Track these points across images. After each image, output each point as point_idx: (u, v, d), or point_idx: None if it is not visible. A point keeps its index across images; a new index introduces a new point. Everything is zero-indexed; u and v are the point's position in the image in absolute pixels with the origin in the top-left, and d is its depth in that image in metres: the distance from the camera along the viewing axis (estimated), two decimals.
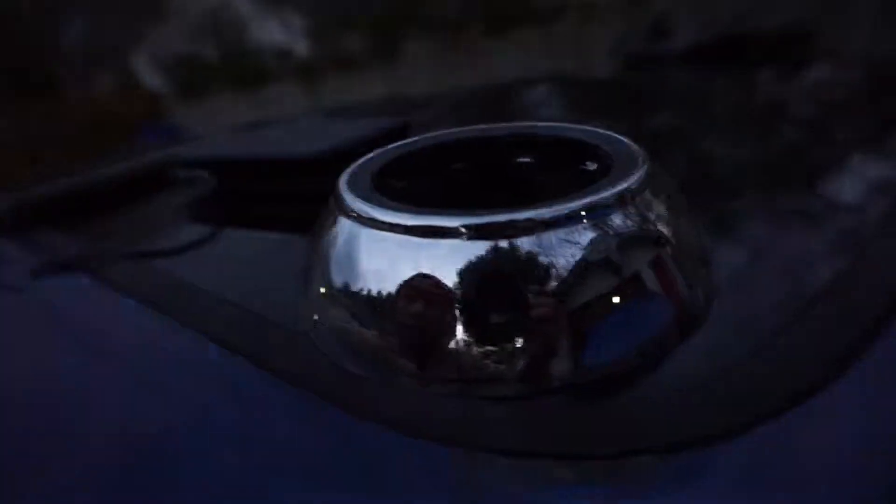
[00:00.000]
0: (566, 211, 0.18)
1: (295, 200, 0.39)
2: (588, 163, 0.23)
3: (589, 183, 0.20)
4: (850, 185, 0.38)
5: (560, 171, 0.24)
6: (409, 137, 0.26)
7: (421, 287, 0.18)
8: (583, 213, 0.18)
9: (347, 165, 0.24)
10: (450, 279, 0.18)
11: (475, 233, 0.18)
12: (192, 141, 0.63)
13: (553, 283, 0.18)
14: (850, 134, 0.46)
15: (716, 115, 0.58)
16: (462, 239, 0.18)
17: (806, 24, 0.72)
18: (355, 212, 0.20)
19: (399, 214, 0.19)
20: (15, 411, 0.26)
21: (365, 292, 0.19)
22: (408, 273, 0.18)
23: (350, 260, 0.20)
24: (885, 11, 0.68)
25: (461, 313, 0.18)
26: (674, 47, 0.77)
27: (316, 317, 0.21)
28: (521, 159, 0.25)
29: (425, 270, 0.18)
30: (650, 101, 0.67)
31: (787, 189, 0.38)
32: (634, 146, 0.22)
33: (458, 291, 0.18)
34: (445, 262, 0.18)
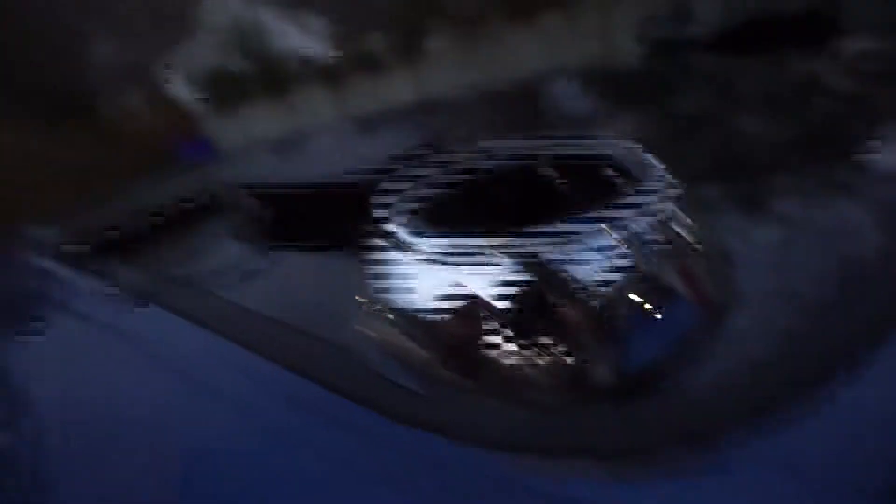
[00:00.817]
0: (596, 226, 0.19)
1: (335, 219, 0.41)
2: (613, 174, 0.24)
3: (614, 194, 0.21)
4: (888, 156, 0.37)
5: (589, 185, 0.25)
6: (440, 150, 0.27)
7: (462, 304, 0.20)
8: (612, 227, 0.20)
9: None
10: (489, 295, 0.19)
11: (510, 252, 0.19)
12: (233, 161, 0.65)
13: (586, 294, 0.19)
14: (882, 106, 0.45)
15: (745, 97, 0.57)
16: (500, 259, 0.19)
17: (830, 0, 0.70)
18: (399, 240, 0.22)
19: (436, 240, 0.20)
20: (91, 431, 0.28)
21: (413, 310, 0.21)
22: (449, 292, 0.20)
23: (398, 283, 0.21)
24: None
25: (501, 326, 0.19)
26: (700, 31, 0.75)
27: (367, 332, 0.23)
28: (549, 173, 0.26)
29: (465, 289, 0.20)
30: (678, 86, 0.66)
31: (823, 164, 0.37)
32: (655, 160, 0.23)
33: (497, 306, 0.19)
34: (484, 280, 0.19)
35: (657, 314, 0.20)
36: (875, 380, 0.18)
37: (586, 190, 0.25)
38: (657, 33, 0.82)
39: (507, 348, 0.20)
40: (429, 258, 0.20)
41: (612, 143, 0.25)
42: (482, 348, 0.20)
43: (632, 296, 0.20)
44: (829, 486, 0.15)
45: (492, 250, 0.19)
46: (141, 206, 0.52)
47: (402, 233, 0.22)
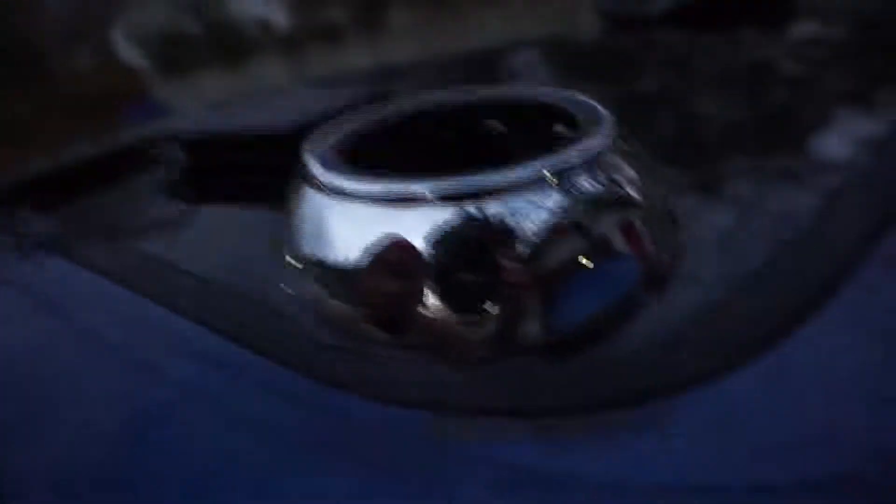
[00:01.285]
0: (533, 174, 0.18)
1: (269, 173, 0.39)
2: (557, 126, 0.23)
3: (556, 142, 0.20)
4: (836, 142, 0.38)
5: (529, 134, 0.24)
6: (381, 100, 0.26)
7: (389, 254, 0.19)
8: (552, 176, 0.18)
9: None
10: (418, 245, 0.18)
11: (443, 198, 0.18)
12: (169, 117, 0.63)
13: (522, 247, 0.18)
14: (835, 91, 0.46)
15: (701, 75, 0.57)
16: (430, 205, 0.18)
17: None
18: (321, 182, 0.20)
19: (365, 182, 0.19)
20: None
21: (335, 262, 0.19)
22: (375, 238, 0.18)
23: (319, 231, 0.20)
24: None
25: (431, 279, 0.18)
26: (658, 8, 0.76)
27: (289, 289, 0.21)
28: (490, 123, 0.25)
29: (392, 235, 0.18)
30: (635, 62, 0.67)
31: (773, 148, 0.38)
32: (603, 109, 0.22)
33: (427, 257, 0.18)
34: (414, 228, 0.18)
35: (595, 269, 0.19)
36: (809, 346, 0.18)
37: (527, 137, 0.24)
38: (616, 8, 0.82)
39: (436, 301, 0.18)
40: (353, 200, 0.19)
41: (556, 92, 0.24)
42: (409, 301, 0.19)
43: (569, 248, 0.19)
44: (763, 446, 0.15)
45: (423, 193, 0.18)
46: (69, 160, 0.49)
47: (324, 173, 0.20)
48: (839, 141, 0.38)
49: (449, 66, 0.86)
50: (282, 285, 0.22)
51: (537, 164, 0.19)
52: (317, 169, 0.20)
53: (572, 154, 0.19)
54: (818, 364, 0.18)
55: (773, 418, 0.16)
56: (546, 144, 0.21)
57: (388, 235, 0.18)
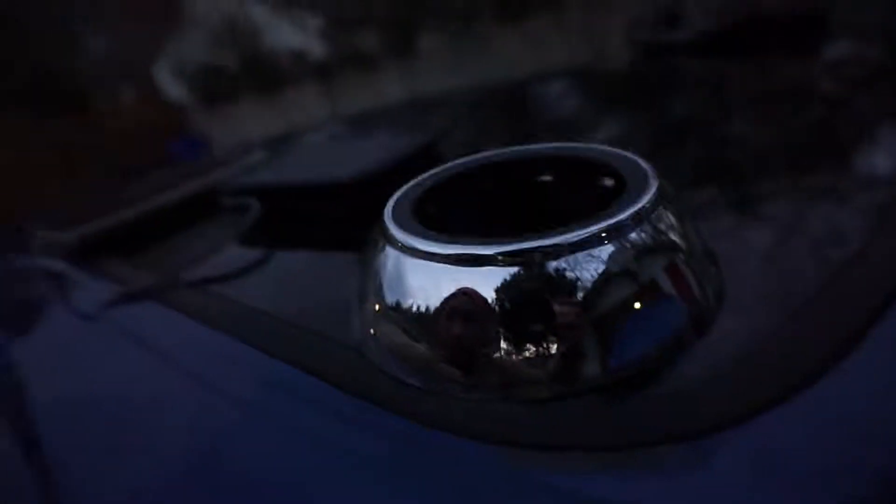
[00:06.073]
0: (588, 234, 0.21)
1: (336, 222, 0.42)
2: (604, 179, 0.26)
3: (605, 199, 0.22)
4: (875, 161, 0.38)
5: (579, 188, 0.26)
6: (435, 152, 0.28)
7: (462, 303, 0.21)
8: (603, 234, 0.21)
9: (381, 186, 0.26)
10: (488, 296, 0.20)
11: (510, 258, 0.20)
12: (226, 158, 0.66)
13: (579, 295, 0.20)
14: (872, 109, 0.46)
15: (733, 101, 0.58)
16: (497, 265, 0.20)
17: (819, 2, 0.72)
18: (400, 242, 0.23)
19: (439, 245, 0.21)
20: (97, 430, 0.28)
21: (413, 310, 0.22)
22: (449, 292, 0.21)
23: (399, 284, 0.22)
24: None
25: (499, 327, 0.20)
26: (688, 35, 0.77)
27: (371, 332, 0.24)
28: (543, 178, 0.28)
29: (464, 289, 0.21)
30: (666, 89, 0.67)
31: (812, 169, 0.38)
32: (645, 163, 0.24)
33: (495, 308, 0.20)
34: (483, 284, 0.21)
35: (645, 312, 0.21)
36: (858, 381, 0.19)
37: (580, 194, 0.26)
38: (645, 36, 0.83)
39: (504, 347, 0.21)
40: (429, 259, 0.21)
41: (604, 149, 0.26)
42: (481, 347, 0.21)
43: (621, 294, 0.21)
44: (811, 485, 0.16)
45: (494, 259, 0.20)
46: (136, 203, 0.53)
47: (404, 236, 0.23)
48: (880, 159, 0.38)
49: (481, 100, 0.88)
50: (361, 329, 0.25)
51: (590, 223, 0.21)
52: (396, 231, 0.23)
53: (621, 212, 0.21)
54: (869, 395, 0.19)
55: (821, 458, 0.17)
56: (595, 198, 0.23)
57: (461, 287, 0.21)
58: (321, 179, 0.42)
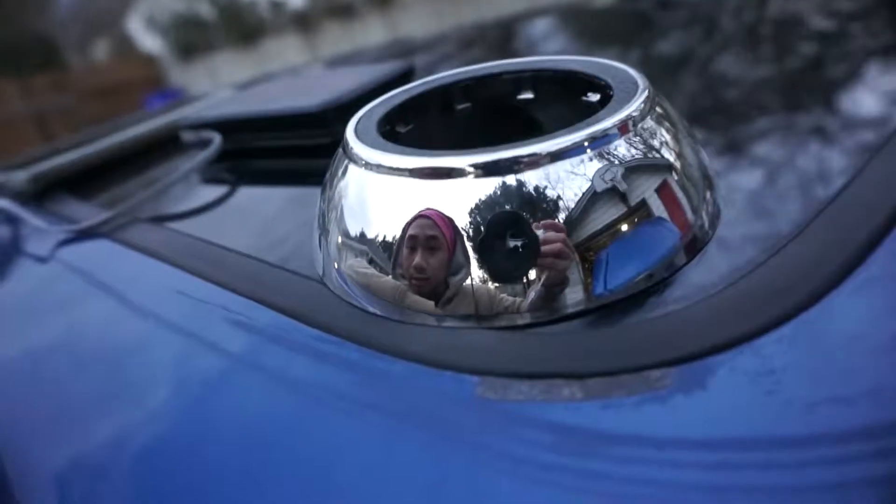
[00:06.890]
0: (569, 143, 0.18)
1: (305, 153, 0.39)
2: (589, 94, 0.23)
3: (591, 114, 0.20)
4: (866, 98, 0.37)
5: (562, 104, 0.24)
6: (414, 81, 0.26)
7: (423, 227, 0.19)
8: (586, 143, 0.19)
9: (350, 115, 0.24)
10: (460, 217, 0.18)
11: (482, 171, 0.18)
12: (196, 100, 0.63)
13: (561, 215, 0.18)
14: (864, 46, 0.45)
15: (725, 35, 0.56)
16: (470, 178, 0.18)
17: None
18: (364, 159, 0.20)
19: (406, 158, 0.19)
20: (52, 369, 0.27)
21: (379, 236, 0.20)
22: (416, 212, 0.19)
23: (363, 206, 0.20)
24: None
25: (473, 250, 0.19)
26: None
27: (334, 263, 0.22)
28: (523, 95, 0.25)
29: (433, 208, 0.19)
30: (657, 25, 0.65)
31: (803, 106, 0.37)
32: (635, 73, 0.22)
33: (469, 228, 0.18)
34: (455, 201, 0.19)
35: (634, 234, 0.19)
36: (863, 300, 0.18)
37: (561, 108, 0.24)
38: None
39: (478, 271, 0.19)
40: (401, 184, 0.19)
41: (590, 60, 0.24)
42: (448, 275, 0.19)
43: (607, 215, 0.19)
44: (808, 403, 0.15)
45: (466, 171, 0.18)
46: (93, 142, 0.50)
47: (367, 151, 0.20)
48: (871, 98, 0.37)
49: (466, 38, 0.85)
50: (324, 259, 0.23)
51: (572, 132, 0.19)
52: (360, 147, 0.21)
53: (606, 120, 0.19)
54: (857, 322, 0.18)
55: (811, 374, 0.16)
56: (580, 113, 0.21)
57: (430, 205, 0.19)
58: (285, 110, 0.39)
